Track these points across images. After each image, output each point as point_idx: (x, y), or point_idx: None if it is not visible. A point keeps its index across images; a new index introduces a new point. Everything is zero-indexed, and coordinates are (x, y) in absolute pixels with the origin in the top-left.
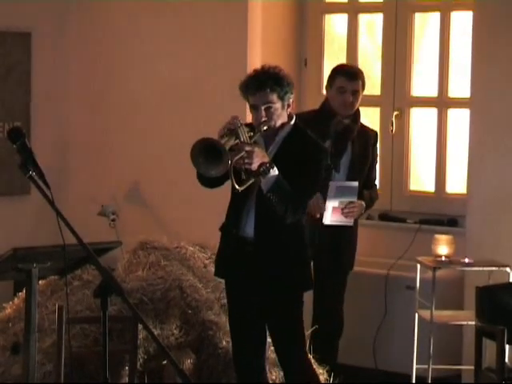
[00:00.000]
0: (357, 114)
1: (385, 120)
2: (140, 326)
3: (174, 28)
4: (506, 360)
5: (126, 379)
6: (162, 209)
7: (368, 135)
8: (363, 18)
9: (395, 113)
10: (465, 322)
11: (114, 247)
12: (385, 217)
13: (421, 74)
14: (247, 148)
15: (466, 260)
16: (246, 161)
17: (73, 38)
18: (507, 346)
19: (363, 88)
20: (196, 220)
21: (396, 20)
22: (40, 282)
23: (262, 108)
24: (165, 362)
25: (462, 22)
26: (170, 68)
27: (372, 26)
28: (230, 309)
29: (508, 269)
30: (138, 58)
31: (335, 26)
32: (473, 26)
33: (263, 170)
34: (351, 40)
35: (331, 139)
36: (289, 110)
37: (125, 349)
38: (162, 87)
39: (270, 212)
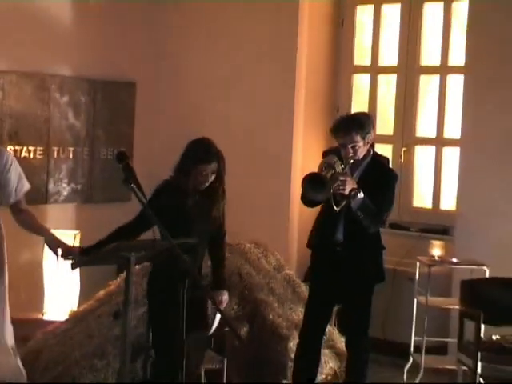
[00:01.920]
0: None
1: (396, 154)
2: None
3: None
4: (482, 335)
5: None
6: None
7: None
8: (382, 78)
9: (404, 149)
10: (452, 307)
11: (190, 243)
12: (394, 226)
13: (424, 120)
14: (341, 178)
15: (454, 260)
16: (341, 187)
17: (166, 86)
18: (482, 325)
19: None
20: (253, 222)
21: (406, 80)
22: (136, 266)
23: (349, 146)
24: (227, 329)
25: (456, 82)
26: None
27: (389, 83)
28: (312, 296)
29: (485, 267)
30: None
31: (361, 82)
32: (464, 85)
33: (353, 194)
34: (372, 93)
35: None
36: (368, 145)
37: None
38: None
39: (356, 223)
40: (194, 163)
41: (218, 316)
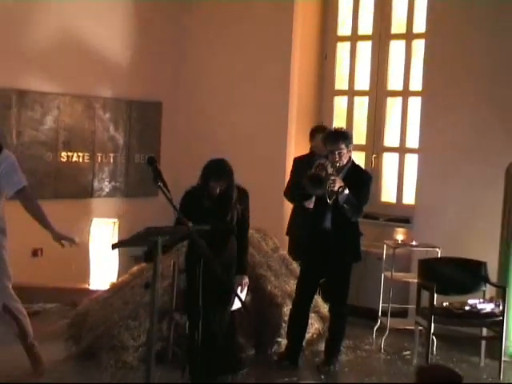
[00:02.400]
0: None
1: (368, 160)
2: None
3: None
4: (435, 302)
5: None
6: None
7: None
8: (357, 99)
9: (374, 155)
10: (411, 280)
11: (204, 229)
12: (366, 216)
13: (390, 132)
14: (332, 177)
15: (413, 243)
16: (332, 185)
17: (186, 106)
18: (435, 295)
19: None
20: (254, 213)
21: (376, 101)
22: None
23: (336, 153)
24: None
25: (416, 103)
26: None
27: (362, 103)
28: (303, 274)
29: (437, 249)
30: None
31: (340, 102)
32: (421, 105)
33: (341, 190)
34: (349, 111)
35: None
36: (350, 153)
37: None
38: (242, 133)
39: (341, 214)
40: (206, 179)
41: (243, 294)
